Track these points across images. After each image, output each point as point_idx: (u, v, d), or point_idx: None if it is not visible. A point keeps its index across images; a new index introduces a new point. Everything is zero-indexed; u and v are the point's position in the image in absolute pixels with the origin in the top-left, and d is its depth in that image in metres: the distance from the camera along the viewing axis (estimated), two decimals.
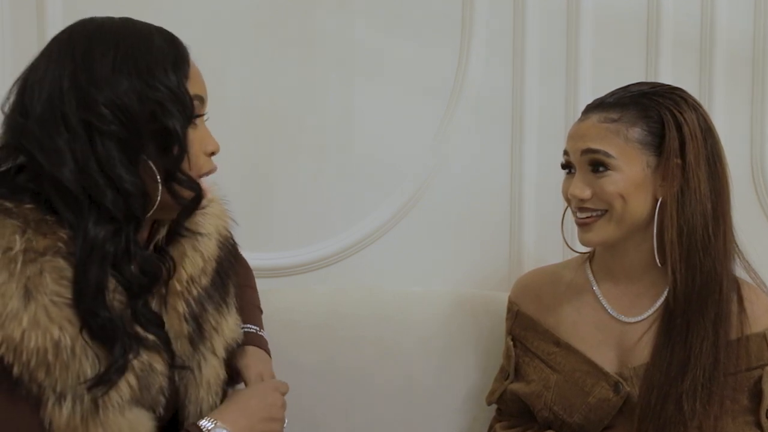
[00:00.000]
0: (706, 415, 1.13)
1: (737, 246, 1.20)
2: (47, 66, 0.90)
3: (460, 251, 1.62)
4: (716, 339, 1.15)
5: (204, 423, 0.99)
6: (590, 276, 1.28)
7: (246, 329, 1.19)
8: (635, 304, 1.24)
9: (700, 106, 1.20)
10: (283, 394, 1.10)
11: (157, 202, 0.91)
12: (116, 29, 0.92)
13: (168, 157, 0.91)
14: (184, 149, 0.91)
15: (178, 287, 1.00)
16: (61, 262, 0.88)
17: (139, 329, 0.93)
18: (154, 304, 0.99)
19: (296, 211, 1.59)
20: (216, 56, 1.55)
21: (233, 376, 1.13)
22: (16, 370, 0.85)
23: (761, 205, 1.62)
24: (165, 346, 0.97)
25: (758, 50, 1.60)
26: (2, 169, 0.91)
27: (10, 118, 0.91)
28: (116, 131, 0.88)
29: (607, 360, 1.23)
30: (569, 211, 1.26)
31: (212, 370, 1.04)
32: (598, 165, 1.17)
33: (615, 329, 1.24)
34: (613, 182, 1.16)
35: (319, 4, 1.56)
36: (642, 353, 1.20)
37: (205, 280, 1.04)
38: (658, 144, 1.17)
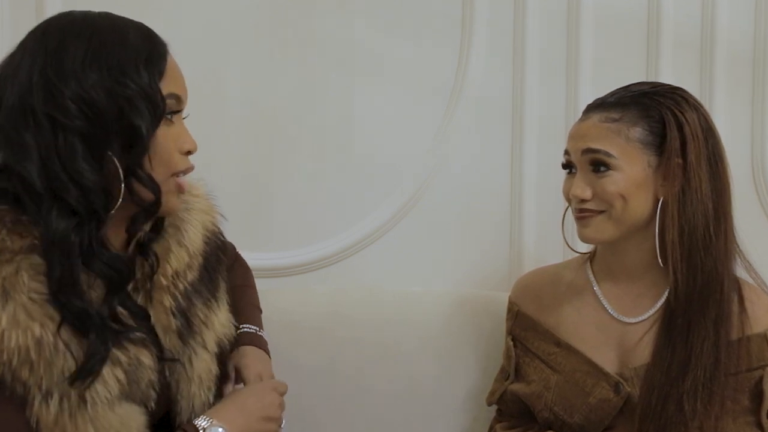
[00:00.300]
0: (707, 415, 1.13)
1: (738, 246, 1.20)
2: (21, 58, 0.90)
3: (460, 251, 1.62)
4: (717, 339, 1.15)
5: (200, 422, 0.99)
6: (591, 276, 1.28)
7: (245, 329, 1.19)
8: (636, 304, 1.23)
9: (701, 106, 1.20)
10: (282, 394, 1.10)
11: (120, 200, 0.90)
12: (91, 23, 0.91)
13: (130, 155, 0.90)
14: (145, 148, 0.90)
15: (164, 282, 1.00)
16: (37, 259, 0.88)
17: (120, 324, 0.93)
18: (139, 299, 0.99)
19: (296, 211, 1.59)
20: (216, 56, 1.55)
21: (229, 374, 1.13)
22: None
23: (762, 205, 1.62)
24: (152, 339, 0.97)
25: (759, 50, 1.59)
26: None
27: None
28: (80, 126, 0.87)
29: (607, 360, 1.23)
30: (569, 211, 1.25)
31: (203, 364, 1.04)
32: (599, 165, 1.17)
33: (616, 329, 1.24)
34: (614, 182, 1.16)
35: (319, 4, 1.56)
36: (643, 353, 1.20)
37: (191, 275, 1.04)
38: (659, 144, 1.17)
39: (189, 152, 0.97)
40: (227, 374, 1.12)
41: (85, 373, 0.87)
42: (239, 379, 1.13)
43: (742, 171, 1.57)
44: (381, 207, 1.60)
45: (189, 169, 0.98)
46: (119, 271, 0.93)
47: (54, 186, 0.87)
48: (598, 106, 1.22)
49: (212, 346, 1.06)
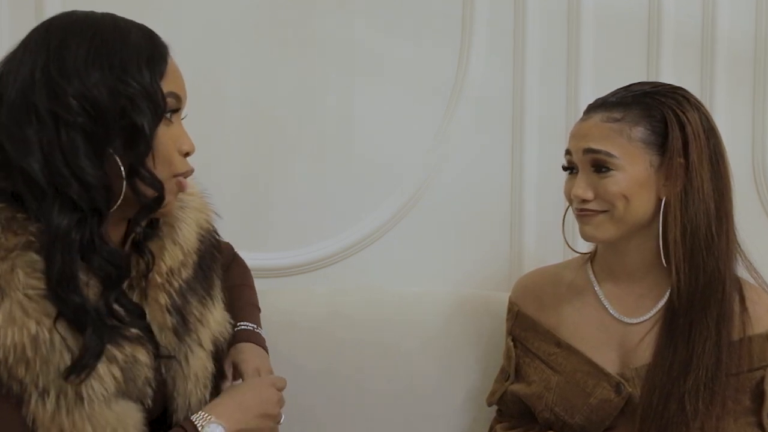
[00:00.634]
0: (708, 415, 1.13)
1: (739, 246, 1.20)
2: (23, 56, 0.91)
3: (460, 251, 1.62)
4: (719, 339, 1.14)
5: (199, 419, 0.99)
6: (592, 276, 1.28)
7: (243, 326, 1.19)
8: (637, 304, 1.23)
9: (702, 106, 1.20)
10: (280, 389, 1.10)
11: (121, 198, 0.91)
12: (94, 23, 0.92)
13: (134, 153, 0.90)
14: (149, 146, 0.91)
15: (159, 279, 1.01)
16: (33, 256, 0.88)
17: (116, 320, 0.93)
18: (134, 297, 0.99)
19: (296, 212, 1.59)
20: (216, 57, 1.55)
21: (226, 371, 1.13)
22: None
23: (763, 204, 1.61)
24: (148, 337, 0.97)
25: (759, 50, 1.59)
26: None
27: None
28: (83, 123, 0.88)
29: (608, 361, 1.23)
30: (570, 212, 1.25)
31: (199, 362, 1.04)
32: (600, 165, 1.17)
33: (617, 330, 1.24)
34: (616, 182, 1.16)
35: (319, 4, 1.56)
36: (644, 354, 1.20)
37: (186, 273, 1.04)
38: (661, 143, 1.17)
39: (187, 154, 0.98)
40: (224, 372, 1.12)
41: (80, 368, 0.87)
42: (237, 375, 1.13)
43: (742, 170, 1.57)
44: (381, 207, 1.60)
45: (189, 172, 0.99)
46: (118, 267, 0.93)
47: (56, 182, 0.88)
48: (599, 105, 1.21)
49: (208, 344, 1.06)
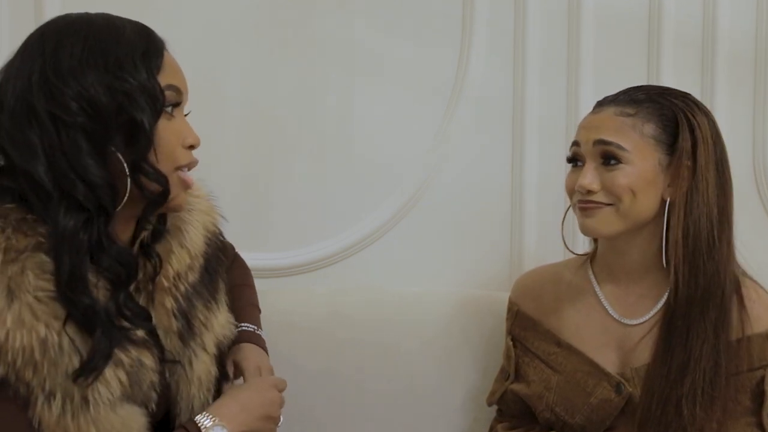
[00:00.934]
0: (707, 420, 1.13)
1: (734, 254, 1.20)
2: (20, 63, 0.91)
3: (460, 251, 1.61)
4: (717, 342, 1.14)
5: (202, 419, 0.99)
6: (592, 277, 1.28)
7: (243, 328, 1.19)
8: (637, 305, 1.23)
9: (710, 113, 1.21)
10: (281, 391, 1.10)
11: (127, 195, 0.91)
12: (87, 23, 0.92)
13: (135, 149, 0.90)
14: (150, 141, 0.91)
15: (165, 283, 1.00)
16: (43, 257, 0.88)
17: (125, 323, 0.93)
18: (141, 301, 0.99)
19: (296, 212, 1.58)
20: (216, 56, 1.55)
21: (228, 370, 1.13)
22: (1, 370, 0.85)
23: (764, 205, 1.61)
24: (154, 341, 0.97)
25: (760, 50, 1.59)
26: None
27: None
28: (83, 123, 0.88)
29: (608, 361, 1.23)
30: (570, 212, 1.25)
31: (203, 366, 1.04)
32: (609, 158, 1.17)
33: (616, 331, 1.24)
34: (626, 175, 1.16)
35: (319, 4, 1.56)
36: (643, 354, 1.20)
37: (192, 277, 1.04)
38: (671, 143, 1.17)
39: (192, 146, 0.98)
40: (226, 374, 1.12)
41: (89, 370, 0.87)
42: (238, 373, 1.13)
43: (743, 170, 1.57)
44: (381, 207, 1.59)
45: (192, 163, 0.98)
46: (127, 266, 0.93)
47: (61, 183, 0.88)
48: (611, 101, 1.22)
49: (211, 348, 1.06)
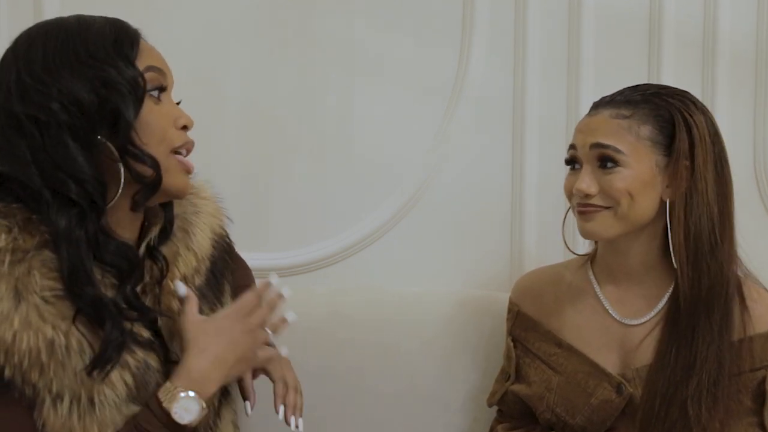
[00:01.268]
0: (711, 420, 1.13)
1: (736, 253, 1.20)
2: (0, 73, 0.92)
3: (460, 252, 1.61)
4: (721, 342, 1.14)
5: (165, 392, 0.92)
6: (592, 278, 1.28)
7: None
8: (638, 306, 1.23)
9: (708, 111, 1.20)
10: (259, 324, 1.02)
11: (122, 184, 0.91)
12: (57, 24, 0.94)
13: (120, 134, 0.91)
14: (129, 123, 0.90)
15: (172, 286, 1.00)
16: (49, 254, 0.89)
17: (134, 312, 0.93)
18: (147, 303, 0.99)
19: (296, 211, 1.58)
20: (216, 56, 1.55)
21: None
22: (7, 372, 0.85)
23: (764, 204, 1.61)
24: (159, 342, 0.97)
25: (761, 51, 1.59)
26: None
27: None
28: (65, 120, 0.89)
29: (609, 362, 1.23)
30: (570, 212, 1.25)
31: None
32: (606, 161, 1.16)
33: (617, 331, 1.24)
34: (622, 178, 1.15)
35: (319, 4, 1.56)
36: (644, 355, 1.20)
37: (199, 280, 1.04)
38: (668, 144, 1.17)
39: (185, 127, 0.97)
40: None
41: (104, 362, 0.88)
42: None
43: (744, 170, 1.57)
44: (381, 207, 1.59)
45: (188, 144, 0.98)
46: (128, 259, 0.93)
47: (53, 185, 0.88)
48: (607, 102, 1.21)
49: None
